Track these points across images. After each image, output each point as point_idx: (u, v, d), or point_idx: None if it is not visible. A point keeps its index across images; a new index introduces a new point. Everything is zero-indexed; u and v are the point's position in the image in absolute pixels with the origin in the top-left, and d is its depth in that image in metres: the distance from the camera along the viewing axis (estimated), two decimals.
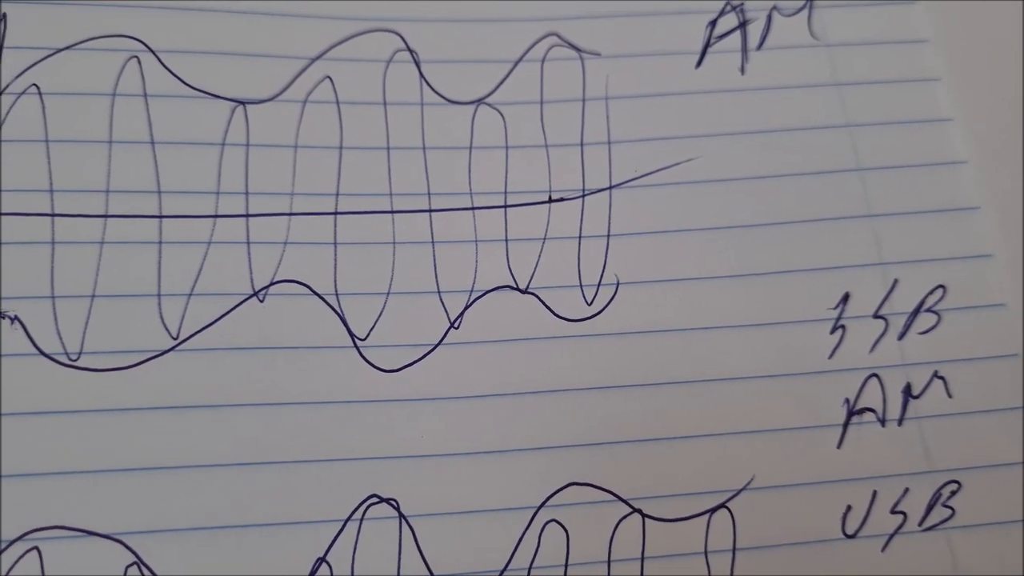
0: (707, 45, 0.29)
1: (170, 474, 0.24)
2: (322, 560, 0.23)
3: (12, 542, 0.23)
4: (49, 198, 0.25)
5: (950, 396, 0.26)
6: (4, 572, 0.22)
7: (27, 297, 0.25)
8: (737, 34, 0.30)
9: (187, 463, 0.24)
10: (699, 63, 0.29)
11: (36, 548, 0.23)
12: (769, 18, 0.30)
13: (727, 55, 0.29)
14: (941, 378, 0.26)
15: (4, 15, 0.27)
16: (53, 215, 0.25)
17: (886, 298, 0.27)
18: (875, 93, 0.29)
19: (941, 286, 0.27)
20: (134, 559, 0.23)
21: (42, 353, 0.24)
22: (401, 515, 0.24)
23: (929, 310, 0.27)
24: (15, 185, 0.25)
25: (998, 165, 0.28)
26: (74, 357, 0.24)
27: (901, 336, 0.27)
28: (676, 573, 0.24)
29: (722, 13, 0.30)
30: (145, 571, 0.23)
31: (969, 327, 0.27)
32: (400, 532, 0.24)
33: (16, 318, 0.24)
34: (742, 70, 0.29)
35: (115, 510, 0.23)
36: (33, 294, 0.25)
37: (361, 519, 0.24)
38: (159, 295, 0.25)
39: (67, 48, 0.27)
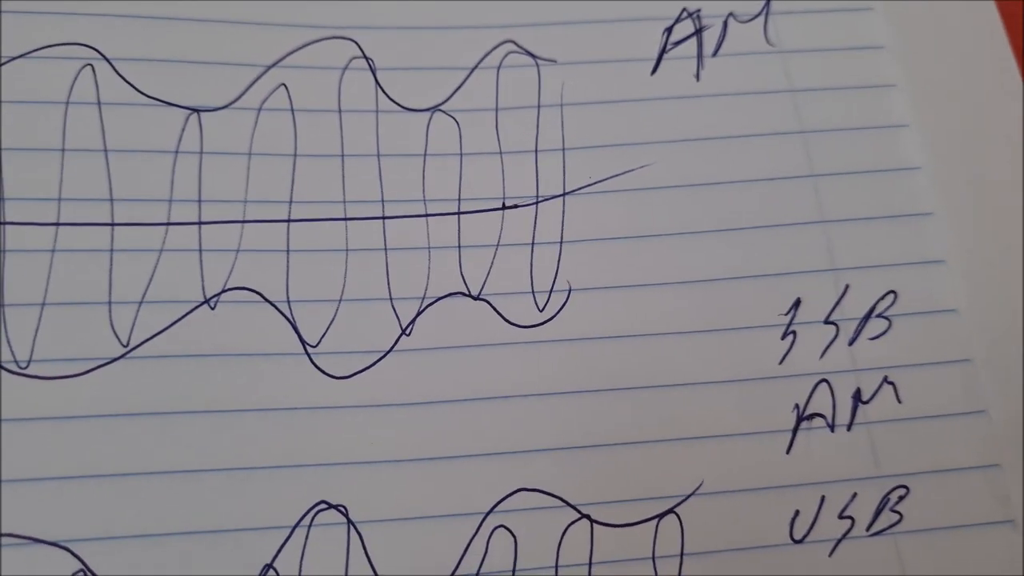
0: (663, 52, 0.29)
1: (119, 481, 0.24)
2: (269, 566, 0.23)
3: None
4: (0, 206, 0.25)
5: (900, 401, 0.26)
6: None
7: None
8: (693, 40, 0.30)
9: (136, 470, 0.24)
10: (655, 70, 0.29)
11: None
12: (725, 24, 0.30)
13: (683, 61, 0.29)
14: (891, 383, 0.26)
15: None
16: (4, 223, 0.25)
17: (837, 304, 0.27)
18: (829, 99, 0.29)
19: (892, 292, 0.27)
20: (80, 566, 0.23)
21: None
22: (349, 521, 0.24)
23: (880, 315, 0.27)
24: None
25: (951, 171, 0.28)
26: (23, 365, 0.24)
27: (852, 342, 0.27)
28: None
29: (678, 20, 0.30)
30: None
31: (920, 332, 0.27)
32: (348, 538, 0.24)
33: None
34: (697, 77, 0.29)
35: (63, 517, 0.23)
36: None
37: (309, 525, 0.24)
38: (110, 303, 0.25)
39: (21, 56, 0.27)
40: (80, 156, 0.26)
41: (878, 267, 0.27)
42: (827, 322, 0.27)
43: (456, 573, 0.24)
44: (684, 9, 0.30)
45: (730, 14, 0.30)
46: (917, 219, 0.28)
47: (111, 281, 0.25)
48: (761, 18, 0.30)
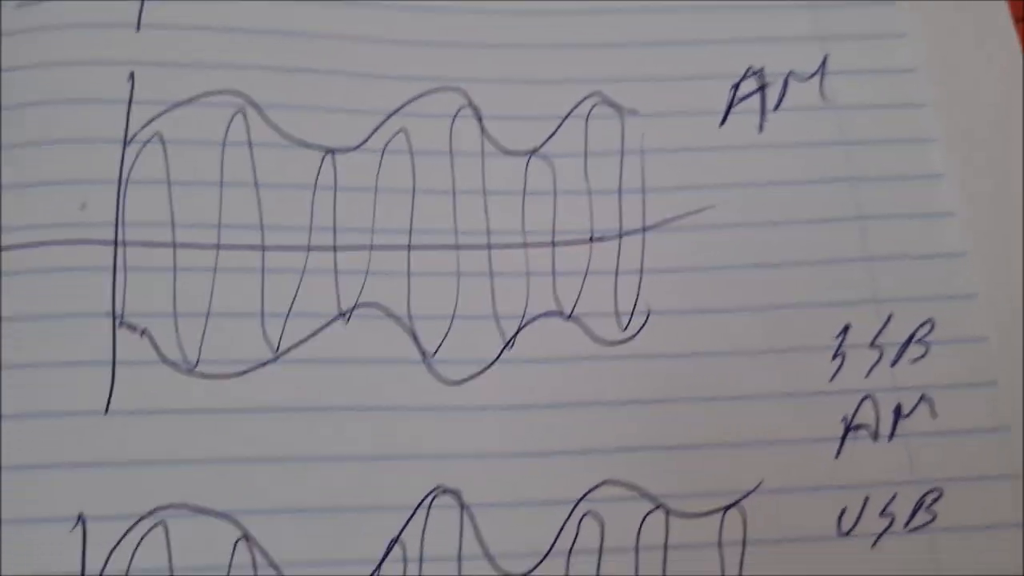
0: (730, 106, 0.34)
1: (270, 465, 0.28)
2: (396, 540, 0.28)
3: (142, 517, 0.27)
4: (171, 231, 0.30)
5: (935, 416, 0.30)
6: (136, 542, 0.27)
7: (154, 314, 0.29)
8: (757, 96, 0.34)
9: (285, 456, 0.28)
10: (723, 122, 0.33)
11: (163, 523, 0.27)
12: (785, 82, 0.34)
13: (747, 115, 0.34)
14: (927, 401, 0.30)
15: (132, 74, 0.32)
16: (175, 245, 0.30)
17: (881, 331, 0.31)
18: (876, 151, 0.33)
19: (930, 321, 0.31)
20: (242, 534, 0.27)
21: (165, 362, 0.29)
22: (462, 504, 0.28)
23: (919, 341, 0.31)
24: (142, 220, 0.30)
25: (983, 216, 0.32)
26: (192, 365, 0.29)
27: (893, 363, 0.30)
28: (693, 562, 0.28)
29: (744, 77, 0.34)
30: (251, 543, 0.27)
31: (953, 357, 0.30)
32: (461, 518, 0.28)
33: (145, 331, 0.29)
34: (760, 128, 0.33)
35: (227, 493, 0.28)
36: (159, 312, 0.29)
37: (429, 507, 0.28)
38: (262, 315, 0.29)
39: (185, 103, 0.32)
40: (235, 189, 0.31)
41: (918, 300, 0.31)
42: (872, 346, 0.31)
43: (552, 550, 0.28)
44: (750, 67, 0.34)
45: (790, 72, 0.34)
46: (952, 258, 0.32)
47: (263, 296, 0.30)
48: (818, 77, 0.34)
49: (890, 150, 0.33)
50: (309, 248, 0.30)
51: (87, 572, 0.27)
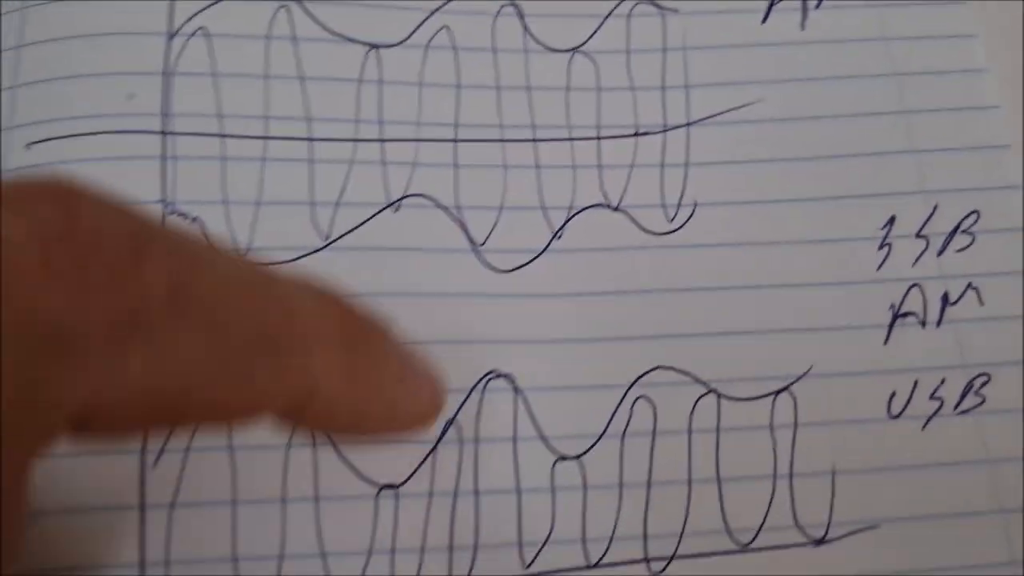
0: (772, 3, 0.34)
1: None
2: (451, 422, 0.28)
3: None
4: (218, 122, 0.30)
5: (982, 304, 0.30)
6: None
7: (204, 202, 0.29)
8: None
9: None
10: (765, 19, 0.33)
11: None
12: None
13: (789, 13, 0.34)
14: (975, 288, 0.30)
15: None
16: (223, 136, 0.30)
17: (927, 221, 0.31)
18: (919, 47, 0.33)
19: (975, 211, 0.31)
20: None
21: None
22: (516, 388, 0.28)
23: (964, 231, 0.31)
24: (189, 111, 0.30)
25: None
26: (243, 253, 0.29)
27: (940, 253, 0.31)
28: (746, 444, 0.28)
29: None
30: None
31: (999, 246, 0.31)
32: (515, 402, 0.28)
33: (197, 218, 0.29)
34: (802, 25, 0.33)
35: None
36: (209, 200, 0.29)
37: (483, 390, 0.28)
38: (312, 203, 0.30)
39: None
40: (281, 81, 0.31)
41: (963, 191, 0.31)
42: (918, 236, 0.31)
43: (605, 433, 0.28)
44: None
45: None
46: (996, 150, 0.32)
47: (312, 186, 0.30)
48: None
49: (933, 46, 0.33)
50: (356, 140, 0.30)
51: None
